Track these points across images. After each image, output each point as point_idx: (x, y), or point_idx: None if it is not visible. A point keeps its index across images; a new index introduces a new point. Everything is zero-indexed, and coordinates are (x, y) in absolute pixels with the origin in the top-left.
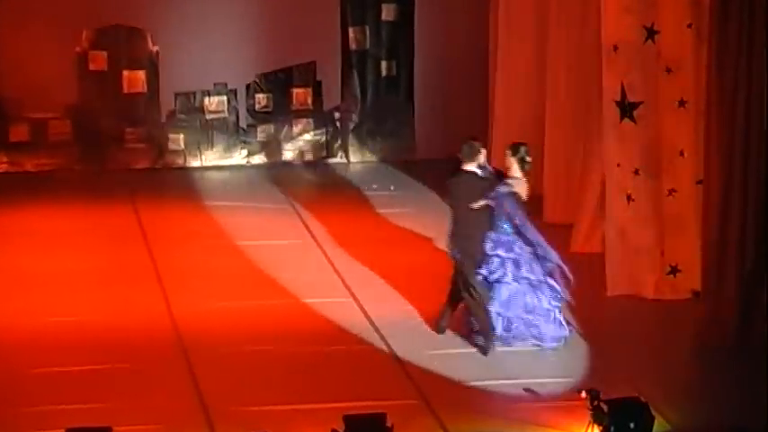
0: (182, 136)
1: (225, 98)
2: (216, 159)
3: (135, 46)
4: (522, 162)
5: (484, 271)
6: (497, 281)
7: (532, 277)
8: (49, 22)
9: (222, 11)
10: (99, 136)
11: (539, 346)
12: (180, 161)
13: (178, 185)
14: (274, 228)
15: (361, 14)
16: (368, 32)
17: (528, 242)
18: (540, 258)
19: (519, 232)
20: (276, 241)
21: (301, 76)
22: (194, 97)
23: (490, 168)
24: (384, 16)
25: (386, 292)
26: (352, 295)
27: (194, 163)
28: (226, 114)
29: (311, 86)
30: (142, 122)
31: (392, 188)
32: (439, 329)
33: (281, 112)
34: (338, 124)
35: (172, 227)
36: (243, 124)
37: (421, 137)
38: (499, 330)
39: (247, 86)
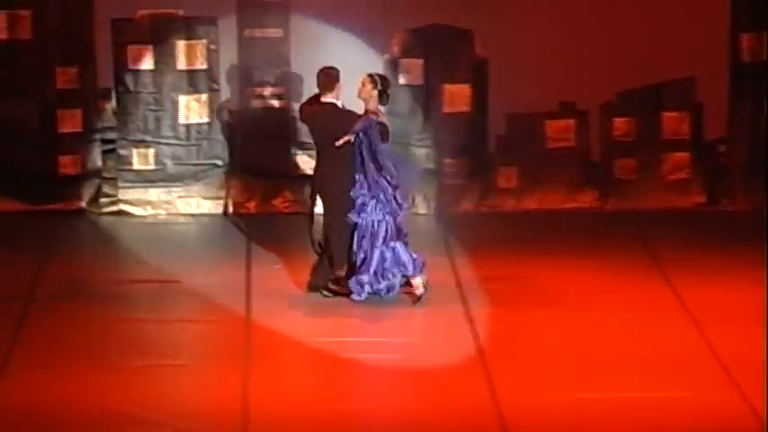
0: (515, 170)
1: (572, 122)
2: (558, 202)
3: (459, 52)
4: (383, 95)
5: (357, 218)
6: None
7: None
8: (352, 21)
9: (568, 8)
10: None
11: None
12: (511, 203)
13: (508, 234)
14: (635, 294)
15: (759, 17)
16: (766, 40)
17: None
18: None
19: (379, 168)
20: (638, 313)
21: (675, 95)
22: (533, 120)
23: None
24: None
25: None
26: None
27: (529, 205)
28: (573, 143)
29: (688, 109)
30: (465, 152)
31: None
32: (310, 287)
33: (647, 143)
34: (724, 160)
35: (495, 290)
36: (595, 157)
37: None
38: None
39: (602, 108)
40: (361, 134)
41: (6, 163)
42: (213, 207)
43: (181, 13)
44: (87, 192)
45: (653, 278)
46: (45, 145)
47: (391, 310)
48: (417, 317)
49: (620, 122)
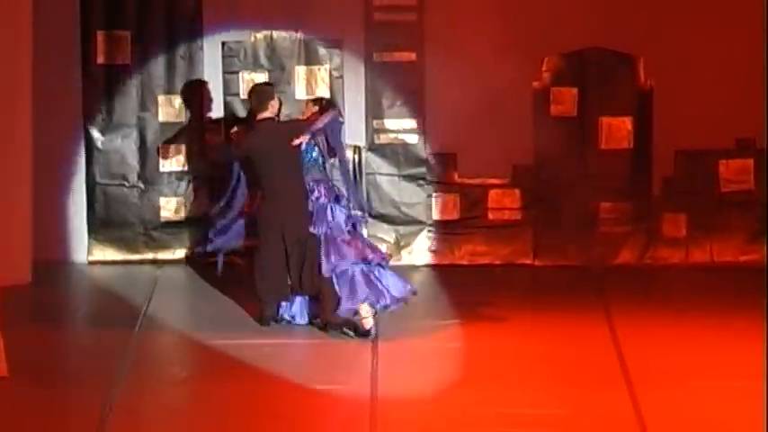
0: (683, 217)
1: (750, 162)
2: (733, 254)
3: (619, 80)
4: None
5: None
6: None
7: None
8: (496, 42)
9: (746, 29)
10: (562, 213)
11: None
12: (678, 255)
13: (674, 292)
14: None
15: None
16: None
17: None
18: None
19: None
20: None
21: None
22: (704, 160)
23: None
24: None
25: None
26: None
27: (699, 258)
28: (751, 186)
29: None
30: (626, 195)
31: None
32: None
33: None
34: None
35: (658, 357)
36: None
37: None
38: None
39: None
40: (325, 131)
41: (102, 205)
42: None
43: (300, 35)
44: (192, 238)
45: None
46: (145, 185)
47: (527, 377)
48: (573, 388)
49: None
